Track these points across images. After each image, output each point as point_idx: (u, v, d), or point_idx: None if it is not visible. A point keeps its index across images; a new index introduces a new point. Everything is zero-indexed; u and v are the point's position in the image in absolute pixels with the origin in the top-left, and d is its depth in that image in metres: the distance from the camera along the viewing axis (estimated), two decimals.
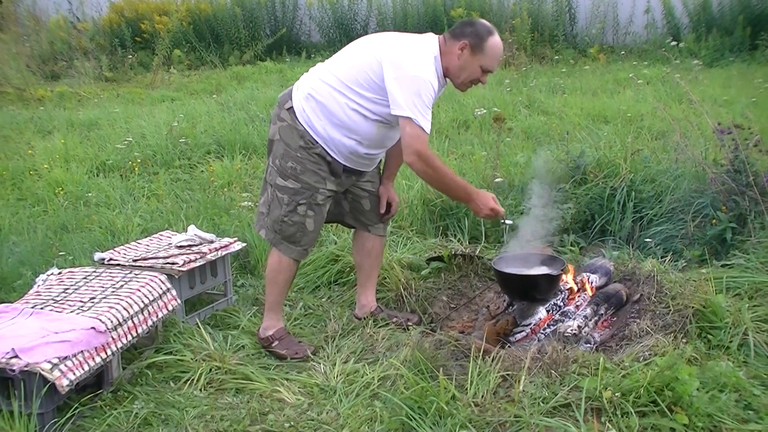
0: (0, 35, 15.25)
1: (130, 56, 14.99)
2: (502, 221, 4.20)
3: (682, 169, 5.47)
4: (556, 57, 13.34)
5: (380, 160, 4.20)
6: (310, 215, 3.87)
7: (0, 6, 17.23)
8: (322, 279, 4.84)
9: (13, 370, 3.11)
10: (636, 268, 4.41)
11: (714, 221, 4.86)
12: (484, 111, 7.86)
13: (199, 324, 4.06)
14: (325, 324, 4.28)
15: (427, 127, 3.63)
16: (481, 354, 3.43)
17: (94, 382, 3.52)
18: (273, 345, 3.97)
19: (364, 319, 4.25)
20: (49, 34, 15.69)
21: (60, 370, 3.16)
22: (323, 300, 4.62)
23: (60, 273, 4.10)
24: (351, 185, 4.08)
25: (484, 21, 3.83)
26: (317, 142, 3.79)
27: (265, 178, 4.00)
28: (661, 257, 4.67)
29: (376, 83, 3.67)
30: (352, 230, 4.37)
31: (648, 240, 4.98)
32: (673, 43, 12.78)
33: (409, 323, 4.20)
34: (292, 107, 3.83)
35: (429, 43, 3.76)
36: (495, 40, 3.76)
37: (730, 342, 3.61)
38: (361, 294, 4.36)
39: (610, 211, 5.28)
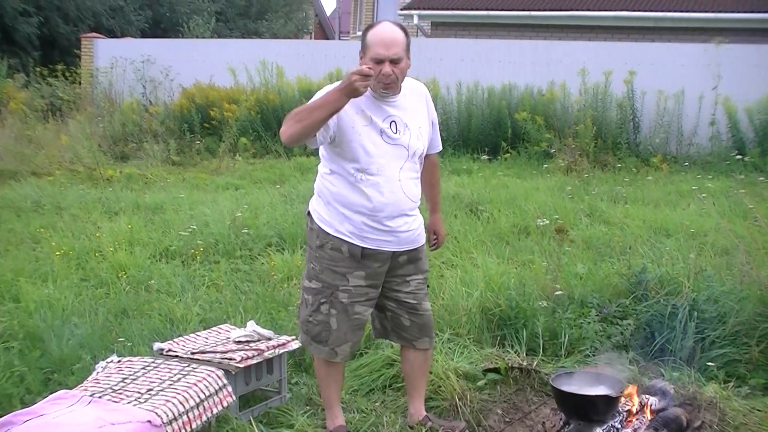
0: (76, 116, 15.79)
1: (198, 141, 15.36)
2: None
3: (747, 291, 5.37)
4: (619, 165, 13.29)
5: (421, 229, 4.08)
6: (333, 314, 3.89)
7: (78, 87, 17.92)
8: (376, 382, 4.79)
9: None
10: (697, 392, 4.31)
11: None
12: (547, 221, 7.80)
13: (252, 421, 4.06)
14: (377, 430, 4.23)
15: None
16: None
17: None
18: None
19: (416, 426, 4.20)
20: (122, 116, 16.22)
21: None
22: (377, 404, 4.57)
23: (119, 361, 4.15)
24: (390, 292, 4.03)
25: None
26: (329, 234, 3.86)
27: None
28: (724, 381, 4.55)
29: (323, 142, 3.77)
30: None
31: (710, 363, 4.86)
32: (738, 156, 12.69)
33: (456, 431, 4.15)
34: (308, 211, 4.00)
35: None
36: (372, 30, 3.69)
37: None
38: (410, 403, 4.34)
39: (671, 330, 5.17)
